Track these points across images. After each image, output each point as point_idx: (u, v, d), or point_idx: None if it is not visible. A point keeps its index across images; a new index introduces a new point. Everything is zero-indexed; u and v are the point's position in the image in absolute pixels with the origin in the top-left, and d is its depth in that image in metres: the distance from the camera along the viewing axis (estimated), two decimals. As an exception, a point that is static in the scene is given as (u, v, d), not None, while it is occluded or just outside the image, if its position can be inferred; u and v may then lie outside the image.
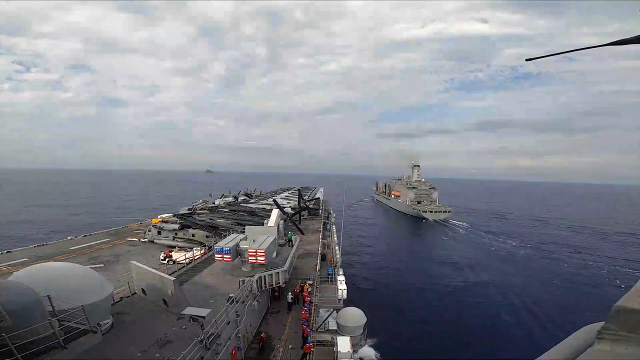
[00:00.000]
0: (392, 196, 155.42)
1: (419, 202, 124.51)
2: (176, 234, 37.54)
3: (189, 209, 47.99)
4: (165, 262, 28.88)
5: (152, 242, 37.62)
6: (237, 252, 22.81)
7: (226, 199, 70.55)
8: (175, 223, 38.64)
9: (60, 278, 13.01)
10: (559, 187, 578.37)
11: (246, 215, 47.18)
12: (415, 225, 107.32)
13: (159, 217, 46.84)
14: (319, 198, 79.94)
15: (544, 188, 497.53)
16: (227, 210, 52.03)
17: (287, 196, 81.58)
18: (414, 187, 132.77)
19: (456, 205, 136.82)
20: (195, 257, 28.22)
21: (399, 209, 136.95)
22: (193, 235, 37.00)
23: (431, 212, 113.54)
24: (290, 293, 23.28)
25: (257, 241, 23.36)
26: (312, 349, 17.45)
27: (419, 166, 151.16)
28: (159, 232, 37.94)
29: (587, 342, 2.14)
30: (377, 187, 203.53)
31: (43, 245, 35.13)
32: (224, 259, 22.10)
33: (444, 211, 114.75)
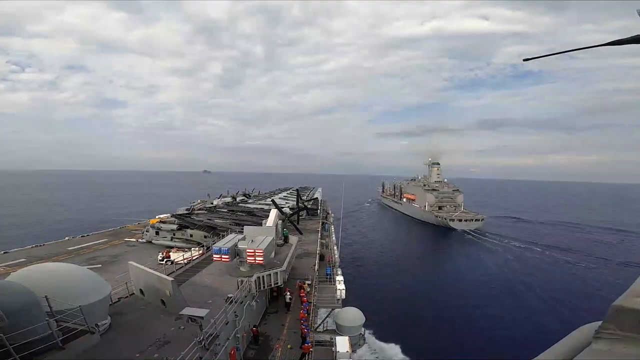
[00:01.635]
0: (404, 200, 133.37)
1: (440, 208, 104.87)
2: (174, 234, 37.45)
3: (187, 209, 47.95)
4: (164, 262, 28.82)
5: (150, 242, 37.53)
6: (235, 252, 22.76)
7: (224, 199, 70.53)
8: (174, 223, 38.56)
9: (58, 278, 12.96)
10: (577, 186, 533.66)
11: (244, 215, 47.12)
12: (438, 238, 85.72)
13: (157, 217, 46.74)
14: (317, 198, 79.94)
15: (557, 187, 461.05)
16: (225, 210, 51.98)
17: (286, 196, 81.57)
18: (433, 190, 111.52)
19: (479, 210, 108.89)
20: (194, 258, 28.15)
21: (414, 215, 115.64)
22: (191, 236, 36.93)
23: (460, 220, 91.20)
24: (288, 293, 23.30)
25: (256, 241, 23.32)
26: (310, 349, 17.46)
27: (438, 164, 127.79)
28: (157, 233, 37.83)
29: (584, 341, 2.16)
30: (383, 189, 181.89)
31: (41, 245, 34.96)
32: (222, 259, 22.06)
33: (475, 219, 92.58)
